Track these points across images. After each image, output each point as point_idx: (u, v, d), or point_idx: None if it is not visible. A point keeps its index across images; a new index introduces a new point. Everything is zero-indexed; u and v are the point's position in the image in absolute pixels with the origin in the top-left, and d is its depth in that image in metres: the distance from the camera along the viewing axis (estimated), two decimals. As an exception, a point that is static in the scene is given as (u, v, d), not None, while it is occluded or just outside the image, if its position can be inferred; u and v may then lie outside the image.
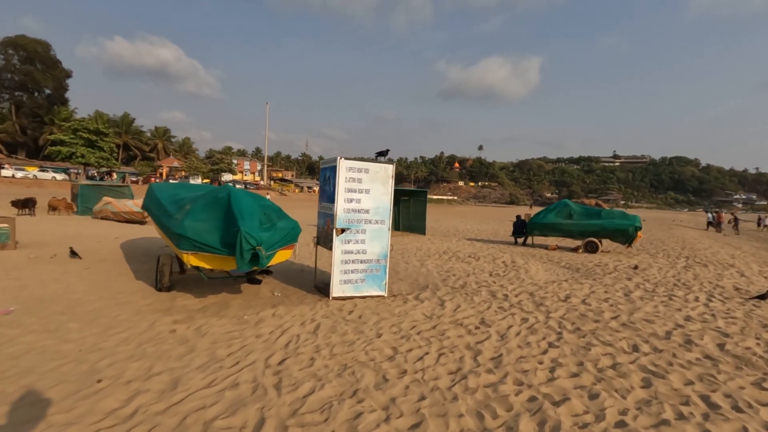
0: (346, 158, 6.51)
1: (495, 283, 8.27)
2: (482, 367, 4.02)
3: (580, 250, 13.62)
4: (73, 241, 11.33)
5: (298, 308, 5.99)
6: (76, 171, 60.65)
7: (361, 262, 6.75)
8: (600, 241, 13.52)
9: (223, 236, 5.51)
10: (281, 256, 6.34)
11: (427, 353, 4.34)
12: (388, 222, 6.90)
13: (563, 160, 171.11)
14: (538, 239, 15.93)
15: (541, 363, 4.16)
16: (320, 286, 7.34)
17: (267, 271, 6.27)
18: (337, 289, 6.65)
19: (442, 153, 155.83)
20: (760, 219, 32.85)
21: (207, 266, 5.71)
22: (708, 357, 4.46)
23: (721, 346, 4.81)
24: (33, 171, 58.52)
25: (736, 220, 28.27)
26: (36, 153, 73.79)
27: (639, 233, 13.03)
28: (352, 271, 6.71)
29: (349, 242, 6.62)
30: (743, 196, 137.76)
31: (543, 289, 7.79)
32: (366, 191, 6.67)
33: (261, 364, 3.93)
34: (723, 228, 28.18)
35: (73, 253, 9.12)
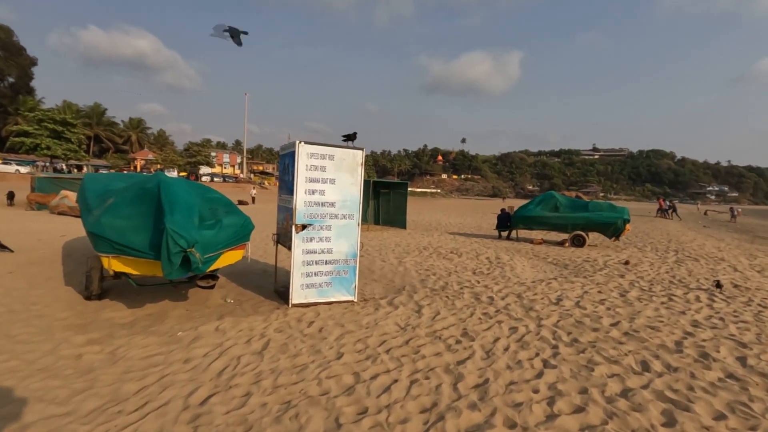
0: (306, 142, 5.57)
1: (479, 283, 7.47)
2: (464, 399, 3.19)
3: (567, 244, 13.00)
4: (12, 238, 10.09)
5: (249, 319, 5.06)
6: (43, 164, 57.81)
7: (326, 263, 5.85)
8: (587, 235, 12.92)
9: (152, 236, 4.53)
10: (229, 258, 5.39)
11: (396, 381, 3.48)
12: (358, 216, 6.02)
13: (545, 153, 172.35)
14: (523, 233, 15.29)
15: (536, 392, 3.35)
16: (281, 290, 6.42)
17: (211, 277, 5.34)
18: (297, 295, 5.74)
19: (425, 146, 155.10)
20: (732, 210, 34.39)
21: (134, 272, 4.72)
22: (732, 377, 3.73)
23: (742, 361, 4.09)
24: (-5, 163, 55.44)
25: (673, 206, 33.50)
26: (0, 145, 70.10)
27: (627, 226, 12.47)
28: (316, 274, 5.81)
29: (311, 240, 5.71)
30: (716, 188, 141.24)
31: (531, 289, 7.04)
32: (331, 181, 5.76)
33: (177, 405, 3.00)
34: (668, 214, 32.83)
35: (1, 247, 8.00)
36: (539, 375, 3.65)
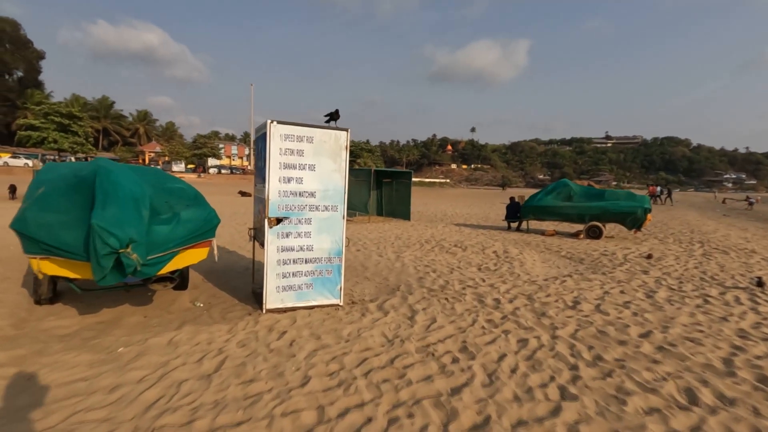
0: (279, 122, 4.77)
1: (484, 281, 6.66)
2: (456, 450, 2.41)
3: (581, 236, 12.08)
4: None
5: (212, 329, 4.33)
6: (52, 157, 58.03)
7: (306, 261, 5.08)
8: (604, 226, 11.98)
9: (88, 233, 3.77)
10: (190, 257, 4.64)
11: (369, 420, 2.71)
12: (342, 208, 5.22)
13: (555, 141, 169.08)
14: (534, 223, 14.38)
15: (552, 438, 2.55)
16: (258, 291, 5.66)
17: (169, 279, 4.60)
18: (272, 299, 4.99)
19: (434, 136, 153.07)
20: (749, 199, 33.82)
21: (71, 275, 4.00)
22: (807, 412, 2.89)
23: (814, 388, 3.24)
24: (5, 158, 55.82)
25: (668, 192, 35.04)
26: (9, 139, 70.49)
27: (648, 216, 11.49)
28: (294, 274, 5.05)
29: (288, 236, 4.94)
30: (733, 176, 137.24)
31: (543, 289, 6.20)
32: (310, 167, 4.96)
33: (72, 461, 2.27)
34: (660, 199, 34.14)
35: None
36: (555, 411, 2.84)
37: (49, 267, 3.91)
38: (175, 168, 69.60)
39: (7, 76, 72.88)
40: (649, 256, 8.97)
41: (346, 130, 5.14)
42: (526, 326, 4.55)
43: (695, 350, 3.93)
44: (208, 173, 68.29)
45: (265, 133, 4.80)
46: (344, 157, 5.14)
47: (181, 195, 4.80)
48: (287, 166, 4.85)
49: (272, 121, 4.73)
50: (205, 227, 4.68)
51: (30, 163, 53.36)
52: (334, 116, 5.25)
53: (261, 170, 5.13)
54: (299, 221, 4.97)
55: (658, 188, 36.75)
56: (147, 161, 74.46)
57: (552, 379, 3.32)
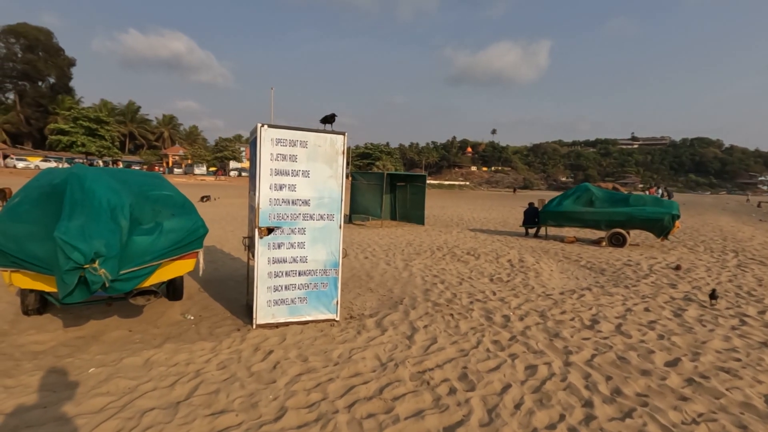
0: (270, 126, 4.48)
1: (495, 294, 6.21)
2: None
3: (604, 243, 11.43)
4: None
5: (195, 347, 4.06)
6: (81, 161, 60.03)
7: (300, 273, 4.77)
8: (628, 233, 11.29)
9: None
10: (174, 270, 4.38)
11: (343, 468, 2.36)
12: (339, 217, 4.89)
13: (579, 143, 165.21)
14: (553, 230, 13.75)
15: (557, 501, 2.14)
16: (252, 304, 5.40)
17: (150, 292, 4.35)
18: (263, 314, 4.69)
19: (454, 138, 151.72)
20: None
21: (45, 288, 3.79)
22: None
23: None
24: (36, 161, 58.04)
25: (668, 194, 34.17)
26: (42, 143, 73.31)
27: (677, 223, 10.75)
28: (287, 288, 4.74)
29: (280, 246, 4.64)
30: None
31: (559, 304, 5.72)
32: (304, 173, 4.66)
33: None
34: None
35: None
36: (563, 463, 2.42)
37: (20, 280, 3.71)
38: (197, 171, 71.11)
39: (40, 83, 75.83)
40: (678, 267, 8.32)
41: (342, 133, 4.82)
42: (536, 350, 4.11)
43: (731, 384, 3.42)
44: (229, 175, 69.39)
45: (256, 138, 4.52)
46: (341, 162, 4.82)
47: (166, 203, 4.54)
48: (279, 173, 4.56)
49: (263, 125, 4.45)
50: (190, 238, 4.41)
51: (60, 166, 55.15)
52: (329, 119, 4.94)
53: (253, 177, 4.86)
54: (292, 231, 4.67)
55: (658, 190, 36.17)
56: (170, 164, 76.20)
57: (561, 418, 2.89)
